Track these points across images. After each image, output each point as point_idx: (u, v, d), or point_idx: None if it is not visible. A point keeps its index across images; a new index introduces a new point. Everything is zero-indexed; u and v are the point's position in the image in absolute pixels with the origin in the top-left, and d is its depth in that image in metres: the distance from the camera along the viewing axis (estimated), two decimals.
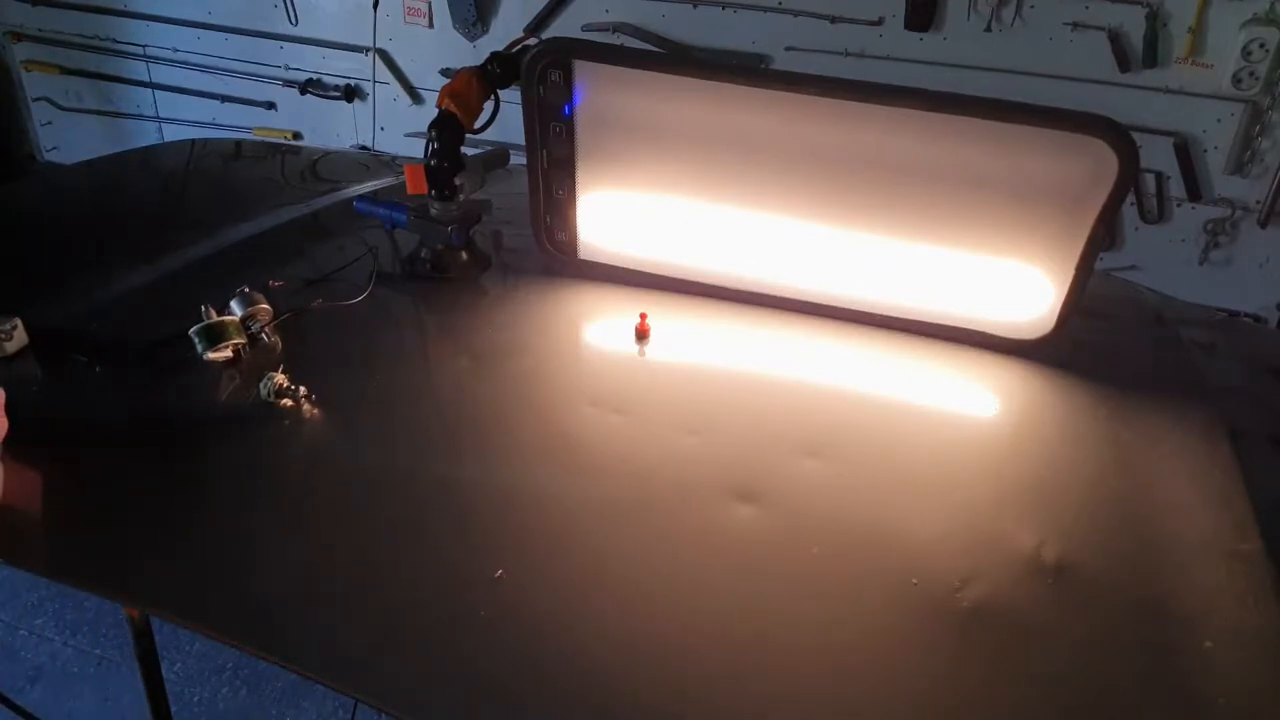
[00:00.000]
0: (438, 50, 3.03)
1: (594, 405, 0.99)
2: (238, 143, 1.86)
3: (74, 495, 0.81)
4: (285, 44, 3.18)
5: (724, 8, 2.66)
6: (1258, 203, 2.45)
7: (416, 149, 1.21)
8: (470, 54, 2.97)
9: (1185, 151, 2.43)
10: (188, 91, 3.37)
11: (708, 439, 0.94)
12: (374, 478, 0.86)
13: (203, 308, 0.98)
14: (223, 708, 1.86)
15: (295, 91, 3.22)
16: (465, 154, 1.15)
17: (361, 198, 1.28)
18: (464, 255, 1.20)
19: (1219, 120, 2.39)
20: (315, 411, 0.92)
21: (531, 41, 1.12)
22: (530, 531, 0.80)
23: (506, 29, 2.92)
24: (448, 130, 1.12)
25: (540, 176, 1.16)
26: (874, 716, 0.66)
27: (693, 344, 1.14)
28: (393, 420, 0.95)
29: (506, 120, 1.17)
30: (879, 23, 2.53)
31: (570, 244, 1.21)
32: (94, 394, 0.94)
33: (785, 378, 1.09)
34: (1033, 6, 2.39)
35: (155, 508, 0.80)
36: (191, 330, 0.96)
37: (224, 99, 3.34)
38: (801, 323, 1.15)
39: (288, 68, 3.23)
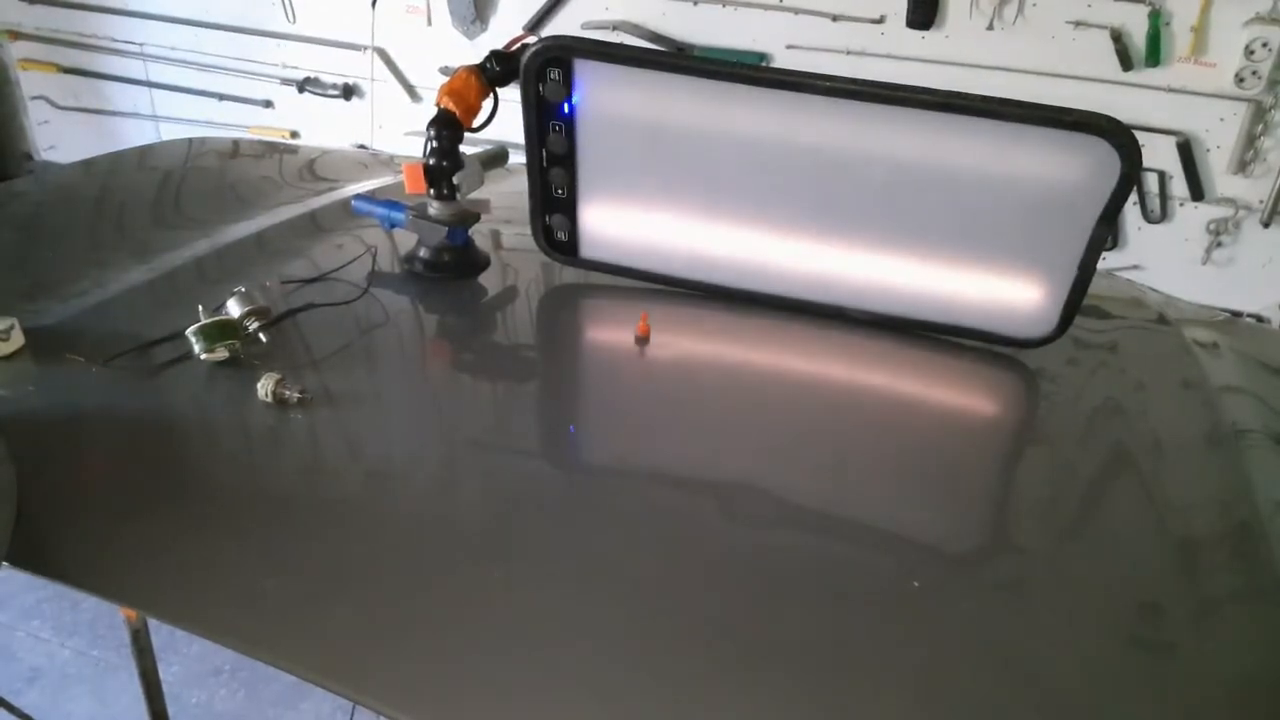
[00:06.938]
0: (436, 48, 3.03)
1: (594, 406, 0.99)
2: (235, 141, 1.85)
3: (70, 496, 0.80)
4: (283, 42, 3.18)
5: (724, 5, 2.65)
6: (1260, 202, 2.45)
7: (415, 148, 1.21)
8: (469, 52, 2.96)
9: (1188, 151, 2.43)
10: (185, 90, 3.37)
11: (708, 440, 0.93)
12: (371, 478, 0.85)
13: (199, 307, 0.97)
14: (220, 709, 1.86)
15: (293, 90, 3.22)
16: (464, 153, 1.14)
17: (360, 197, 1.28)
18: (463, 255, 1.20)
19: (1221, 119, 2.39)
20: (312, 411, 0.91)
21: (531, 39, 1.11)
22: (529, 531, 0.80)
23: (505, 27, 2.91)
24: (446, 129, 1.11)
25: (540, 176, 1.15)
26: (875, 717, 0.66)
27: (693, 344, 1.13)
28: (390, 420, 0.94)
29: (506, 119, 1.16)
30: (880, 21, 2.53)
31: (570, 244, 1.20)
32: (90, 394, 0.93)
33: (786, 378, 1.08)
34: (1035, 5, 2.39)
35: (152, 508, 0.80)
36: (188, 330, 0.95)
37: (221, 97, 3.34)
38: (801, 322, 1.15)
39: (285, 66, 3.22)
